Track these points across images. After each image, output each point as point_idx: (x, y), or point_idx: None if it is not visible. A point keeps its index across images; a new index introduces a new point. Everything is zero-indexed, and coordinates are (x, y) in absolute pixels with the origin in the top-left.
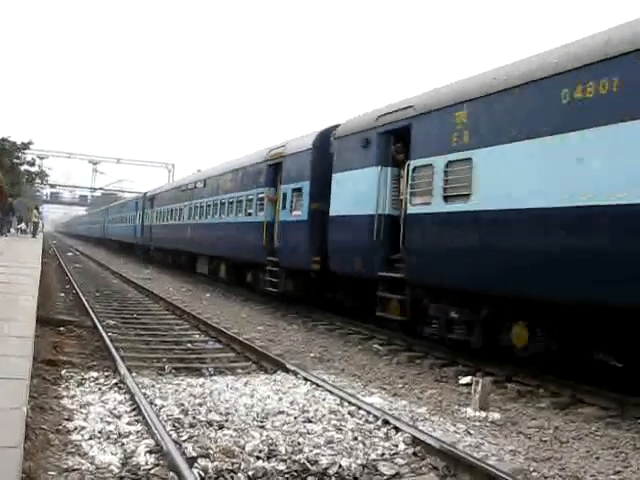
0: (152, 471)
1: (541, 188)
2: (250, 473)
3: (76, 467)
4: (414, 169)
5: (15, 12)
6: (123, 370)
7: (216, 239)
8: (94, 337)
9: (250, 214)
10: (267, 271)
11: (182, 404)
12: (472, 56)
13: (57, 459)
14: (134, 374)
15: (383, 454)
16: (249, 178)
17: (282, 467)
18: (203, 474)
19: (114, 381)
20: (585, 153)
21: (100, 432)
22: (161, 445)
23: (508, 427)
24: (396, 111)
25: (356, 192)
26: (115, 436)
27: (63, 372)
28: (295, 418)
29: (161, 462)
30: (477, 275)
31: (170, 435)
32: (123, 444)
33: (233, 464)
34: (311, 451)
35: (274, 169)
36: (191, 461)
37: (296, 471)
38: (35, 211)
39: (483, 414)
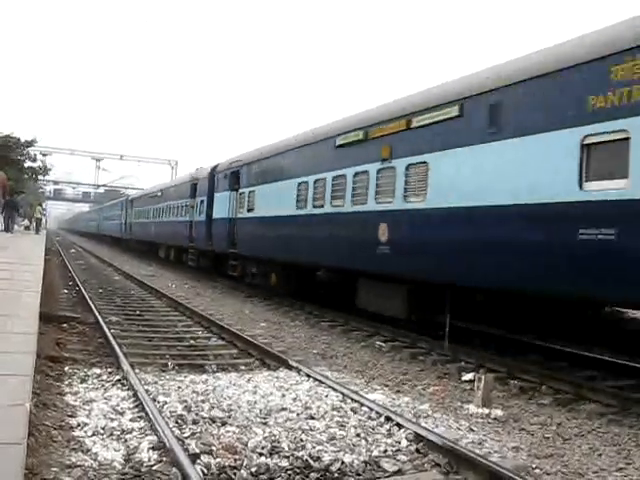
0: (155, 467)
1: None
2: (253, 469)
3: (79, 463)
4: (241, 193)
5: (17, 9)
6: (126, 367)
7: (167, 232)
8: (97, 334)
9: (182, 215)
10: (189, 252)
11: (185, 401)
12: (470, 52)
13: (60, 455)
14: (137, 370)
15: (385, 450)
16: (182, 192)
17: (285, 463)
18: (206, 470)
19: (117, 378)
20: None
21: (103, 428)
22: (164, 442)
23: (511, 424)
24: (236, 162)
25: (222, 204)
26: (118, 432)
27: (66, 369)
28: (298, 415)
29: (164, 459)
30: (258, 248)
31: (173, 432)
32: (126, 440)
33: (236, 460)
34: (314, 447)
35: (194, 187)
36: (194, 457)
37: (299, 467)
38: (39, 207)
39: (486, 411)
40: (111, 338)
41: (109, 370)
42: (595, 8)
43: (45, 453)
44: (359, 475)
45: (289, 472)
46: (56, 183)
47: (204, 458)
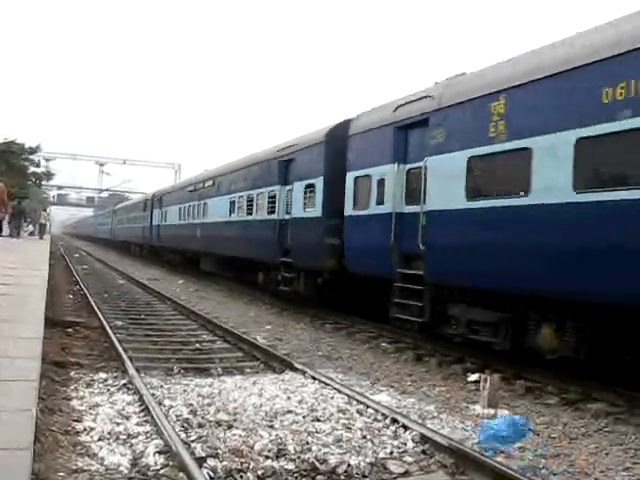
0: (161, 471)
1: None
2: (259, 472)
3: (85, 468)
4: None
5: (20, 15)
6: (131, 371)
7: (136, 235)
8: (102, 338)
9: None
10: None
11: (191, 404)
12: (474, 51)
13: (66, 460)
14: (142, 375)
15: (392, 452)
16: (142, 207)
17: (291, 466)
18: (212, 474)
19: (123, 382)
20: None
21: (109, 433)
22: (170, 445)
23: None
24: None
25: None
26: (124, 437)
27: (72, 373)
28: (304, 417)
29: (170, 462)
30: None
31: (179, 435)
32: (132, 445)
33: (242, 464)
34: (320, 450)
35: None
36: (200, 461)
37: (305, 470)
38: (44, 212)
39: (492, 411)
40: (116, 342)
41: (115, 374)
42: (594, 7)
43: (52, 458)
44: (365, 477)
45: (295, 475)
46: (60, 188)
47: (210, 462)
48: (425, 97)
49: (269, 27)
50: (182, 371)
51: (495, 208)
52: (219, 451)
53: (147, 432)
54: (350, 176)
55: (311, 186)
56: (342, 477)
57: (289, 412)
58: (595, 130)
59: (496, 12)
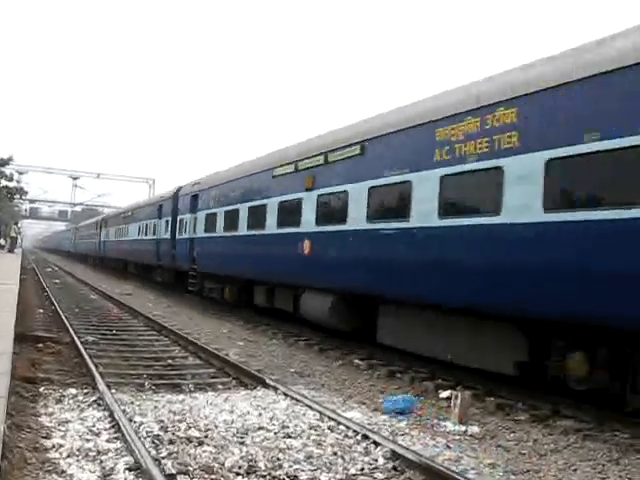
0: None
1: None
2: None
3: None
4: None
5: None
6: (102, 387)
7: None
8: (73, 353)
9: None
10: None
11: (162, 420)
12: (469, 58)
13: (34, 478)
14: (113, 391)
15: (362, 469)
16: (95, 226)
17: None
18: None
19: (93, 398)
20: None
21: (79, 450)
22: (140, 462)
23: (487, 440)
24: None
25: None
26: (94, 453)
27: (41, 389)
28: (275, 434)
29: (140, 479)
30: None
31: (149, 452)
32: (102, 461)
33: None
34: (291, 466)
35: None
36: (170, 478)
37: None
38: (15, 226)
39: (463, 428)
40: (87, 358)
41: (85, 390)
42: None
43: (19, 476)
44: None
45: None
46: (32, 202)
47: (181, 478)
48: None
49: (243, 39)
50: (153, 387)
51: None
52: (189, 468)
53: (117, 449)
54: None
55: (167, 221)
56: None
57: (260, 429)
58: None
59: (498, 16)
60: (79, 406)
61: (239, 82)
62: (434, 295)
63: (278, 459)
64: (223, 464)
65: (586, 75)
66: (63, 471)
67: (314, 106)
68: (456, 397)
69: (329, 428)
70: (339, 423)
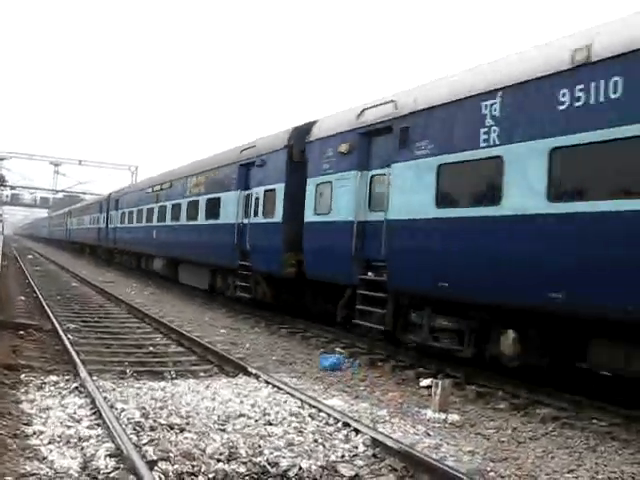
0: (112, 475)
1: None
2: (210, 476)
3: (34, 472)
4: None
5: None
6: (83, 374)
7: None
8: (54, 341)
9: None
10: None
11: (143, 407)
12: (463, 49)
13: (15, 464)
14: (95, 378)
15: (343, 456)
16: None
17: (242, 469)
18: (163, 477)
19: (74, 385)
20: None
21: (59, 436)
22: (121, 449)
23: (467, 428)
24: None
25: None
26: (75, 440)
27: (22, 376)
28: (256, 421)
29: (121, 466)
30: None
31: (130, 438)
32: (83, 448)
33: (193, 467)
34: (271, 453)
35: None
36: (151, 464)
37: (256, 473)
38: None
39: (443, 416)
40: (69, 345)
41: (66, 377)
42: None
43: (0, 462)
44: None
45: (247, 478)
46: (13, 188)
47: (162, 465)
48: (118, 192)
49: (228, 27)
50: (135, 374)
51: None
52: (170, 454)
53: (98, 435)
54: (110, 213)
55: (103, 215)
56: None
57: (242, 416)
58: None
59: (494, 8)
60: (60, 393)
61: (223, 68)
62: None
63: (259, 446)
64: (204, 451)
65: None
66: (44, 457)
67: (301, 90)
68: (436, 385)
69: (310, 416)
70: (320, 410)
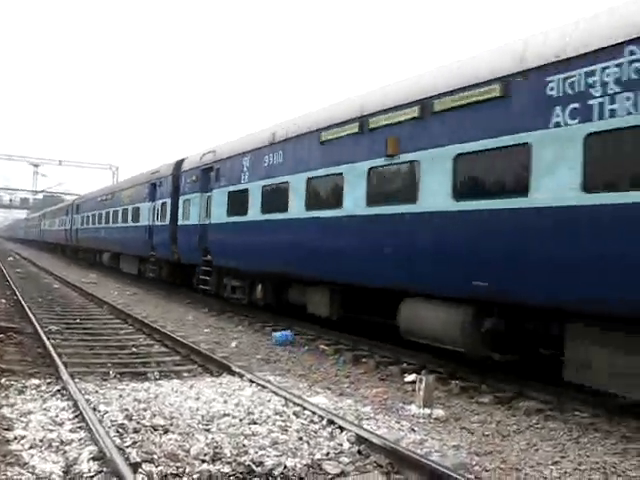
0: (95, 478)
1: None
2: (195, 476)
3: (15, 477)
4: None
5: None
6: (65, 376)
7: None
8: (36, 344)
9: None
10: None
11: (126, 409)
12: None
13: None
14: (77, 380)
15: (328, 453)
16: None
17: (227, 469)
18: (147, 479)
19: (56, 388)
20: None
21: (41, 441)
22: (104, 452)
23: (451, 423)
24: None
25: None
26: (57, 444)
27: (2, 380)
28: (240, 420)
29: (104, 469)
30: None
31: (114, 441)
32: (65, 452)
33: (178, 468)
34: (256, 453)
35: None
36: (135, 466)
37: (241, 473)
38: None
39: (427, 411)
40: (50, 348)
41: (48, 380)
42: None
43: None
44: (302, 478)
45: (232, 478)
46: None
47: (145, 467)
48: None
49: (210, 23)
50: (118, 376)
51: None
52: (154, 456)
53: (81, 439)
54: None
55: (69, 218)
56: (278, 479)
57: (226, 415)
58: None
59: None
60: (42, 396)
61: (205, 67)
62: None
63: (244, 445)
64: (188, 451)
65: None
66: (25, 463)
67: (285, 86)
68: (420, 381)
69: (294, 414)
70: (304, 408)
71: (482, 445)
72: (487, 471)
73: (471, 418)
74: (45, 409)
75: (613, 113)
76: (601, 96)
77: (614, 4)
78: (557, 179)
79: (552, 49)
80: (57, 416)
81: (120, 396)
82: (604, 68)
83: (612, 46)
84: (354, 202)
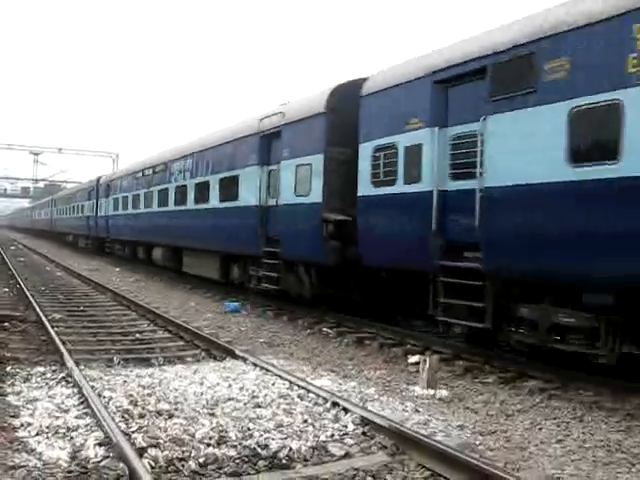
0: (102, 463)
1: None
2: (201, 460)
3: (23, 464)
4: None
5: None
6: (70, 363)
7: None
8: (40, 332)
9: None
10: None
11: (131, 395)
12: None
13: (2, 457)
14: (82, 367)
15: (333, 435)
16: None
17: (233, 453)
18: (153, 464)
19: (61, 375)
20: None
21: (48, 427)
22: (110, 437)
23: (455, 403)
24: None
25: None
26: (63, 430)
27: (8, 368)
28: (245, 404)
29: (111, 454)
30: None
31: (119, 426)
32: (72, 438)
33: (183, 452)
34: (261, 436)
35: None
36: (141, 451)
37: (247, 456)
38: None
39: (431, 392)
40: (54, 335)
41: (53, 368)
42: None
43: None
44: (307, 460)
45: (237, 461)
46: None
47: (151, 451)
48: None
49: (206, 15)
50: (122, 362)
51: None
52: (160, 441)
53: (87, 425)
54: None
55: (46, 210)
56: (284, 461)
57: (230, 399)
58: None
59: None
60: (47, 384)
61: (204, 53)
62: None
63: (248, 429)
64: (194, 436)
65: None
66: (32, 449)
67: (284, 72)
68: (424, 362)
69: (299, 396)
70: (309, 391)
71: (486, 425)
72: (491, 450)
73: (475, 398)
74: (51, 396)
75: None
76: None
77: None
78: None
79: None
80: (63, 403)
81: (125, 382)
82: None
83: None
84: None
